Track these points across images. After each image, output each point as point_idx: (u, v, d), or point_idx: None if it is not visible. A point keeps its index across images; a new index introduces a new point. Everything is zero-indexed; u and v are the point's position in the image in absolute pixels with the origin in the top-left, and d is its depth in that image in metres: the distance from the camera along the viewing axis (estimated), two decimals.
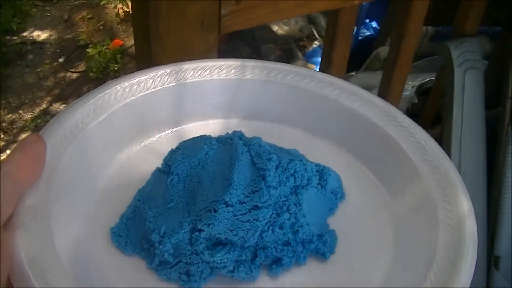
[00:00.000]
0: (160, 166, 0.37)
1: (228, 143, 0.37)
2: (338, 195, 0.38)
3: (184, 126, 0.43)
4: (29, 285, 0.26)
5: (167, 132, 0.43)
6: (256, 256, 0.33)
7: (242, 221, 0.32)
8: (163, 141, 0.42)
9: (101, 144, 0.38)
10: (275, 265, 0.33)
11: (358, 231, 0.37)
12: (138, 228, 0.34)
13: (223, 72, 0.44)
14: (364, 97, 0.43)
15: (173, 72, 0.42)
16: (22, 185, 0.29)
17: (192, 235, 0.32)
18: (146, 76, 0.41)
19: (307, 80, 0.44)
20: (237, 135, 0.38)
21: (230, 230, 0.32)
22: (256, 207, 0.33)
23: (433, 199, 0.35)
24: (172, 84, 0.42)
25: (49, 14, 2.46)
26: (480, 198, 0.77)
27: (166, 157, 0.37)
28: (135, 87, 0.40)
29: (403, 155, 0.39)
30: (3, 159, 0.29)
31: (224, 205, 0.32)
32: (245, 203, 0.33)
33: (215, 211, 0.32)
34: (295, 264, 0.34)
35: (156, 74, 0.42)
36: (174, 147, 0.38)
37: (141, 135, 0.41)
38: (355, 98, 0.43)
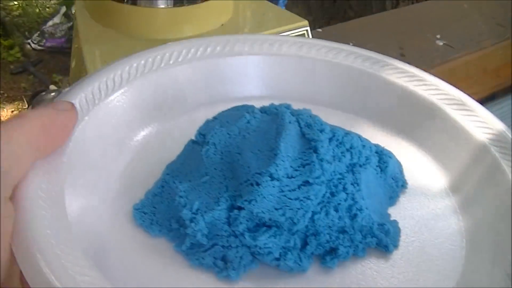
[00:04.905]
0: (193, 138, 0.32)
1: (273, 113, 0.32)
2: (399, 182, 0.33)
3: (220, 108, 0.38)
4: (38, 272, 0.21)
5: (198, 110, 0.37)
6: (307, 243, 0.27)
7: (291, 199, 0.27)
8: (197, 116, 0.36)
9: (124, 118, 0.33)
10: (329, 256, 0.27)
11: (422, 225, 0.31)
12: (166, 205, 0.29)
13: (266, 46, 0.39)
14: (415, 74, 0.37)
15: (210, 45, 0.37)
16: (38, 151, 0.25)
17: (231, 214, 0.27)
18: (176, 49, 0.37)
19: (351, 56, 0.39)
20: (284, 106, 0.32)
21: (276, 209, 0.26)
22: (307, 183, 0.27)
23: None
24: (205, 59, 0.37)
25: None
26: None
27: (201, 127, 0.32)
28: (159, 58, 0.36)
29: (465, 135, 0.33)
30: (27, 114, 0.24)
31: (269, 178, 0.27)
32: (294, 177, 0.27)
33: (257, 184, 0.27)
34: (352, 256, 0.28)
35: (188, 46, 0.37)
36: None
37: (169, 112, 0.36)
38: (406, 75, 0.37)
